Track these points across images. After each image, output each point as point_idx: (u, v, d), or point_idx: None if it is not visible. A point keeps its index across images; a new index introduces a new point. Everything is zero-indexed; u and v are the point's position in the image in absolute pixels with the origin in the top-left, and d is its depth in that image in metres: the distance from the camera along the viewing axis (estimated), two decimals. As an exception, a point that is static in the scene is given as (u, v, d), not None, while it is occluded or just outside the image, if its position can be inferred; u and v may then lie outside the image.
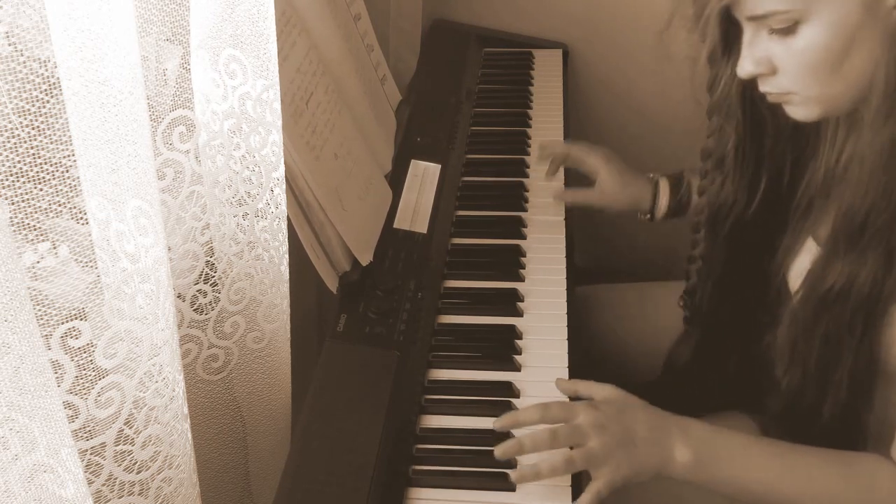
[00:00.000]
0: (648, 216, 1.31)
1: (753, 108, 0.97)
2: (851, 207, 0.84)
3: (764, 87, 0.88)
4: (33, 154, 0.57)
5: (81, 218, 0.62)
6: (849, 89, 0.83)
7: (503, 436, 0.91)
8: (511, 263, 1.20)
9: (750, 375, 1.08)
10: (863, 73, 0.81)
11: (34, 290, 0.60)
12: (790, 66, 0.84)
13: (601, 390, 0.93)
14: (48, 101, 0.57)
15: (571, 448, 0.87)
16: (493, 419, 0.91)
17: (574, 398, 0.95)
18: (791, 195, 1.00)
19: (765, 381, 1.01)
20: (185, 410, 0.76)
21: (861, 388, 0.89)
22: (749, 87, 0.94)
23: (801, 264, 0.95)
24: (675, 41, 0.96)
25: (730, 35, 0.90)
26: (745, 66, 0.87)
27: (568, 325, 1.10)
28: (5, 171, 0.55)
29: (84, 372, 0.63)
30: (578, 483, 0.90)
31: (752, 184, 1.01)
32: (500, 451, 0.88)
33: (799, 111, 0.88)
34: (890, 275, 0.84)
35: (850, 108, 0.86)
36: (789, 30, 0.82)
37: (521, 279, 1.17)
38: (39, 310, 0.60)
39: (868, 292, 0.85)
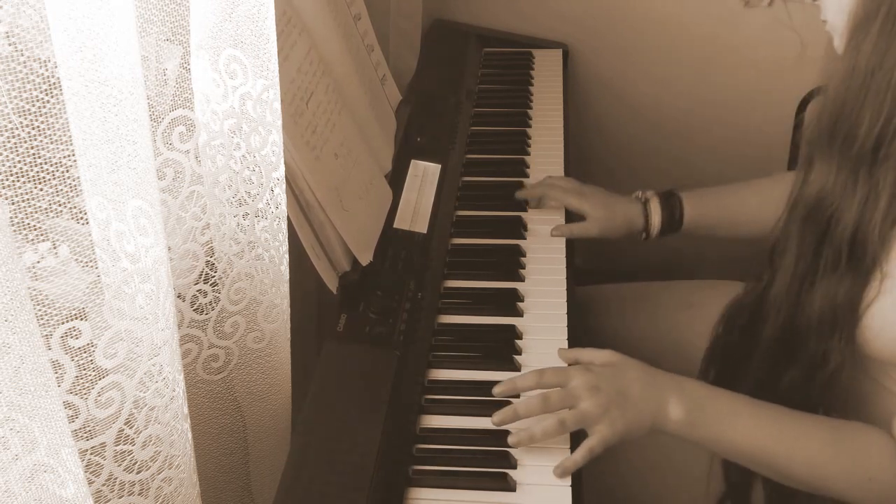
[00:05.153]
0: (644, 235, 1.30)
1: None
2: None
3: None
4: (33, 154, 0.57)
5: (81, 218, 0.62)
6: None
7: (502, 435, 0.92)
8: (511, 263, 1.20)
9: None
10: None
11: (34, 290, 0.60)
12: None
13: (601, 355, 0.96)
14: (48, 101, 0.57)
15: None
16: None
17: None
18: None
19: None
20: (186, 410, 0.76)
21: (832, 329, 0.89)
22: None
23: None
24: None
25: None
26: None
27: (568, 325, 1.10)
28: (5, 171, 0.55)
29: (84, 372, 0.63)
30: (578, 483, 0.90)
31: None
32: (496, 418, 0.92)
33: None
34: (876, 208, 0.83)
35: None
36: None
37: (521, 279, 1.17)
38: (39, 310, 0.60)
39: (855, 220, 0.85)
